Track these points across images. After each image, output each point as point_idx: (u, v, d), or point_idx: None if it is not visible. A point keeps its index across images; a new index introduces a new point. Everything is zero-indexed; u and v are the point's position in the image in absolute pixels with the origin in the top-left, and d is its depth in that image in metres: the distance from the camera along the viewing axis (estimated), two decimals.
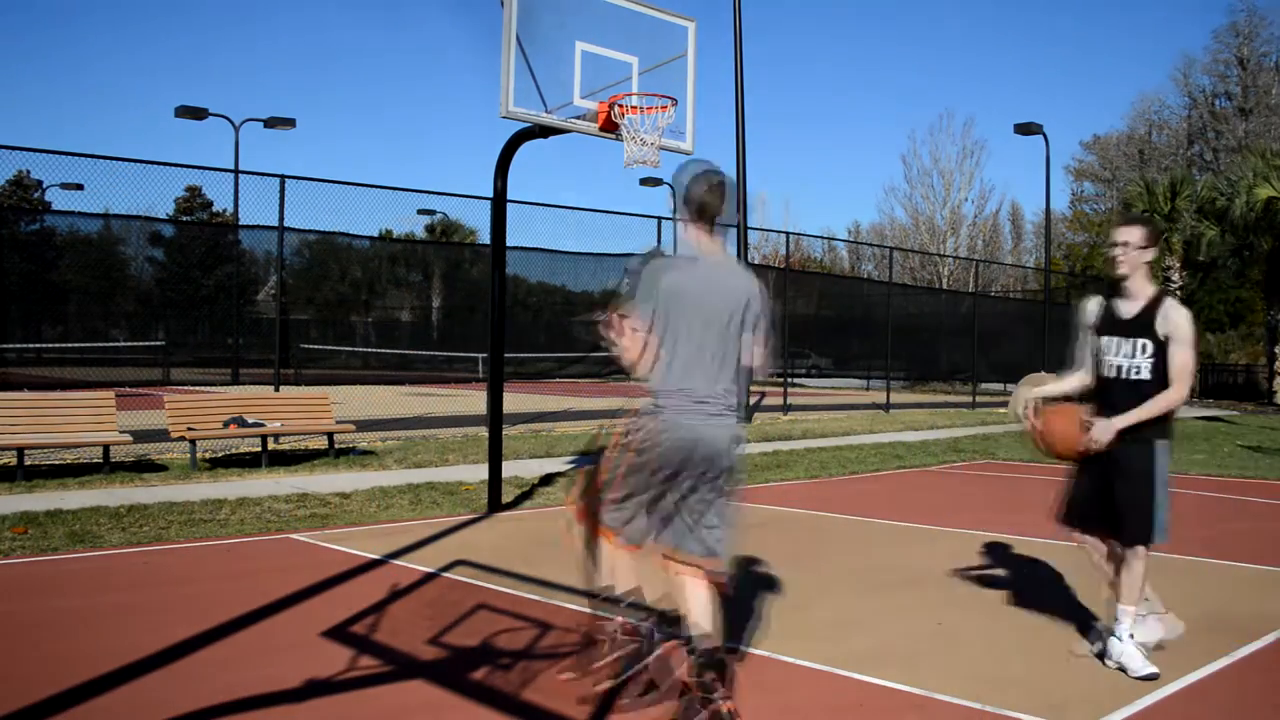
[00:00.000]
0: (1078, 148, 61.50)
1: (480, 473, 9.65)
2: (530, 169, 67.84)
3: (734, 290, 3.78)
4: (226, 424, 10.67)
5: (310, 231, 14.69)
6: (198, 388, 16.92)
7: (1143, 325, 4.47)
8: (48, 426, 9.72)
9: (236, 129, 29.42)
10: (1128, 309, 4.56)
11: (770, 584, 6.08)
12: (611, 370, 20.20)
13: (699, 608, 3.68)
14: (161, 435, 11.00)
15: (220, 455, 11.37)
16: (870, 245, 52.73)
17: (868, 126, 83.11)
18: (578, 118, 8.28)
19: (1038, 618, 5.40)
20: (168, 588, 5.77)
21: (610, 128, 8.30)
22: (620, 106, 8.25)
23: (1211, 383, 36.49)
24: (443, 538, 7.32)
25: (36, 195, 31.53)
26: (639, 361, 3.70)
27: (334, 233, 15.15)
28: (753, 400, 18.90)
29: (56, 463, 10.35)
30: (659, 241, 17.93)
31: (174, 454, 11.14)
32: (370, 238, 18.71)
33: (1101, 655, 4.56)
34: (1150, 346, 4.44)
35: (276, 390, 13.14)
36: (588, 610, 4.31)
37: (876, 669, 4.41)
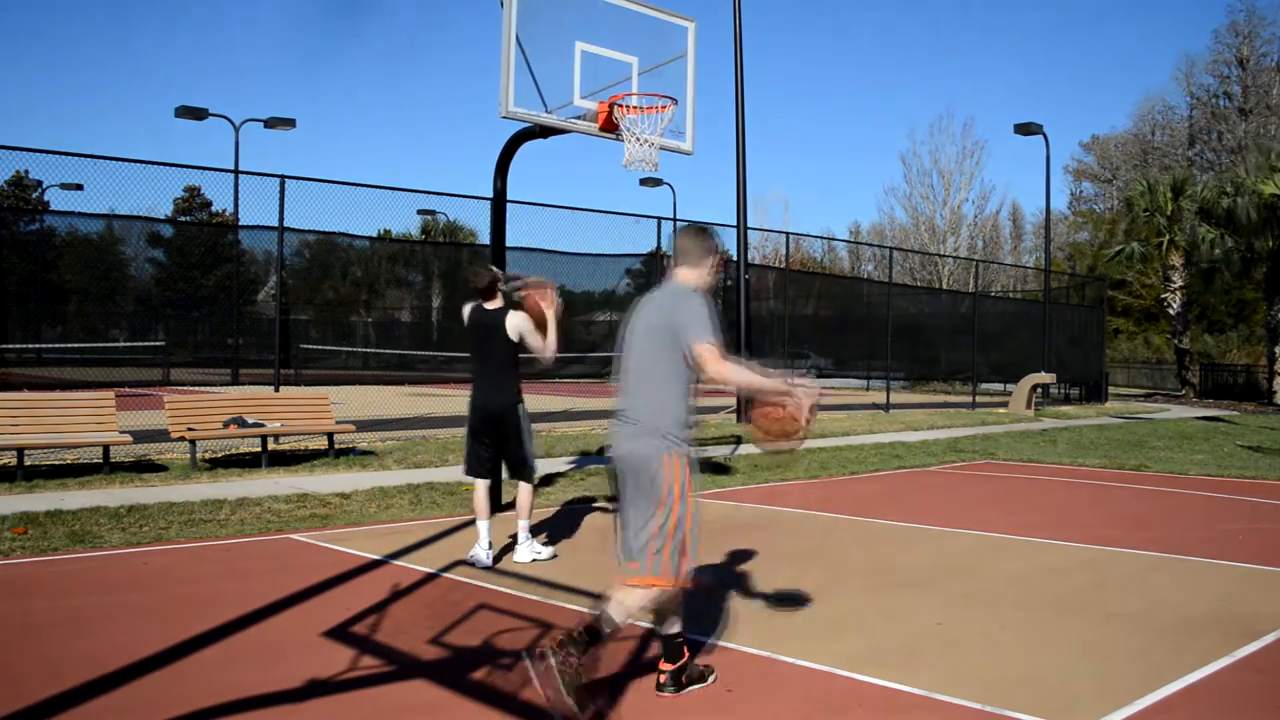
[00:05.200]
0: (1077, 148, 61.57)
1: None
2: (530, 169, 67.85)
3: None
4: (226, 424, 10.67)
5: (310, 232, 14.67)
6: (198, 388, 16.91)
7: None
8: (48, 426, 9.72)
9: (236, 129, 29.45)
10: None
11: (770, 584, 6.08)
12: (610, 370, 20.19)
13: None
14: (161, 435, 11.00)
15: (220, 455, 11.37)
16: (870, 245, 52.75)
17: (868, 126, 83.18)
18: (578, 118, 8.27)
19: (1038, 617, 5.40)
20: (168, 588, 5.77)
21: (610, 128, 8.30)
22: (620, 107, 8.25)
23: (1211, 383, 36.48)
24: (443, 538, 7.32)
25: (36, 195, 31.53)
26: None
27: (334, 233, 15.14)
28: None
29: (56, 463, 10.35)
30: (658, 242, 17.92)
31: (174, 454, 11.14)
32: (370, 238, 18.70)
33: None
34: None
35: (276, 390, 13.13)
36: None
37: (876, 669, 4.41)
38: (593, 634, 3.75)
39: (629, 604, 3.87)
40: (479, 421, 6.51)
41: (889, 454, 13.64)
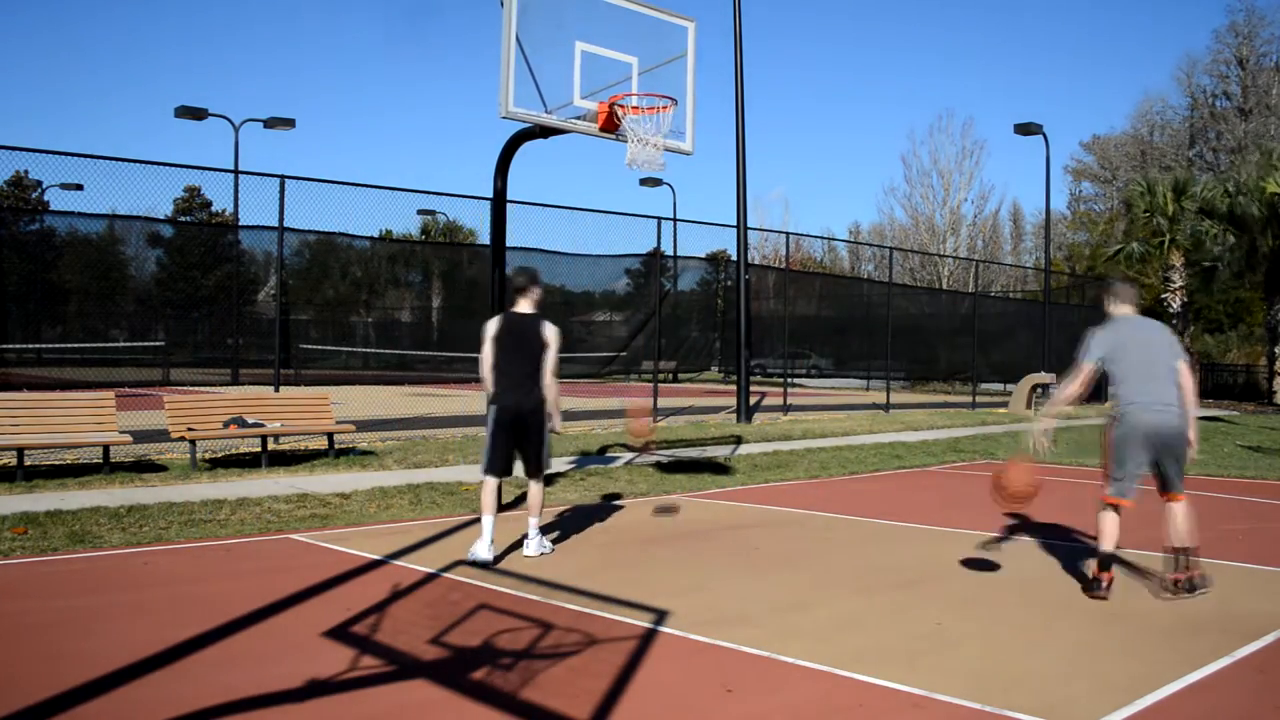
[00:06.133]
0: (1077, 148, 61.53)
1: (479, 473, 9.63)
2: (531, 169, 67.82)
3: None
4: (226, 424, 10.67)
5: (310, 232, 14.67)
6: (198, 388, 16.92)
7: None
8: (48, 426, 9.72)
9: (236, 129, 29.45)
10: None
11: (770, 584, 6.08)
12: (610, 370, 20.19)
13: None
14: (161, 435, 11.00)
15: (220, 455, 11.37)
16: (870, 245, 52.75)
17: (868, 127, 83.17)
18: (578, 118, 8.27)
19: (1037, 617, 5.40)
20: (168, 588, 5.77)
21: (610, 128, 8.30)
22: (620, 107, 8.25)
23: (1211, 383, 36.46)
24: (443, 538, 7.32)
25: (36, 195, 31.53)
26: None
27: (334, 233, 15.14)
28: (753, 400, 18.90)
29: (56, 463, 10.34)
30: (658, 242, 17.93)
31: (174, 454, 11.14)
32: (370, 238, 18.69)
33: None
34: None
35: (276, 390, 13.12)
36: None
37: (876, 669, 4.41)
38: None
39: (1184, 521, 5.99)
40: (511, 421, 6.68)
41: (889, 454, 13.65)
